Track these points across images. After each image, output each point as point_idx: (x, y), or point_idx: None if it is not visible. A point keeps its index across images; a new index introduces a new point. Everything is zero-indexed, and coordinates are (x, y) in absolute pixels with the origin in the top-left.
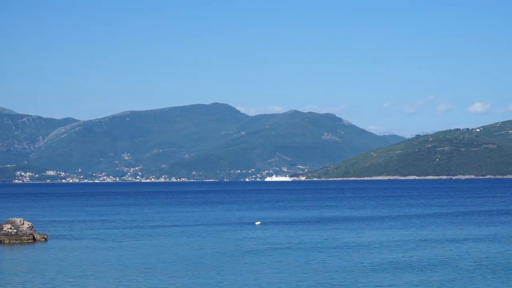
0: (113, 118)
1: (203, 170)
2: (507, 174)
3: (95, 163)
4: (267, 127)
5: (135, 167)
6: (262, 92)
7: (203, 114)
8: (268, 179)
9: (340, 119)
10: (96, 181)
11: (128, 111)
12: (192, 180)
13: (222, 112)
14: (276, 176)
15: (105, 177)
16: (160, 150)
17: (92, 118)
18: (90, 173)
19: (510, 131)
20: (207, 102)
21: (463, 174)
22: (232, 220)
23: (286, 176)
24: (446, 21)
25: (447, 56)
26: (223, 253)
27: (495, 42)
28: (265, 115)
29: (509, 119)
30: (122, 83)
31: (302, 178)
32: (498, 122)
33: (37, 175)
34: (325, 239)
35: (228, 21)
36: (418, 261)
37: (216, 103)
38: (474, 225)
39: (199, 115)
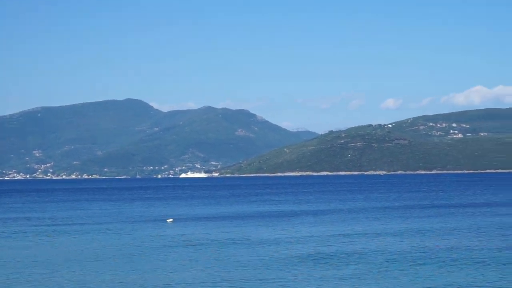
0: (24, 114)
1: (116, 166)
2: (418, 170)
3: (6, 160)
4: (181, 123)
5: (46, 164)
6: (176, 88)
7: (116, 110)
8: (183, 175)
9: (254, 115)
10: (6, 178)
11: (40, 107)
12: (104, 177)
13: (136, 108)
14: (192, 172)
15: (15, 174)
16: (72, 147)
17: (2, 114)
18: (0, 170)
19: (421, 127)
20: (120, 98)
21: (375, 170)
22: (143, 217)
23: (201, 172)
24: (358, 19)
25: (360, 53)
26: (128, 251)
27: (406, 39)
28: (179, 111)
29: (421, 115)
30: (34, 78)
31: (215, 174)
32: (410, 118)
33: None
34: (236, 235)
35: (140, 17)
36: (331, 256)
37: (129, 99)
38: (390, 219)
39: (112, 111)
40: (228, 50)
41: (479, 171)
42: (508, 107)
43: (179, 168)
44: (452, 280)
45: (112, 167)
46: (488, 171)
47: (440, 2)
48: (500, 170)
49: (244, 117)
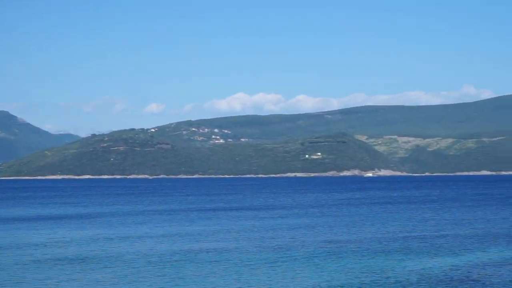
0: None
1: None
2: (180, 174)
3: None
4: None
5: None
6: None
7: None
8: None
9: (14, 117)
10: None
11: None
12: None
13: None
14: None
15: None
16: None
17: None
18: None
19: (184, 132)
20: None
21: (137, 174)
22: None
23: None
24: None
25: (125, 56)
26: None
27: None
28: None
29: (183, 120)
30: None
31: None
32: (173, 123)
33: None
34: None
35: None
36: (91, 259)
37: None
38: (155, 223)
39: None
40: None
41: (239, 176)
42: (267, 114)
43: None
44: (212, 281)
45: None
46: (248, 176)
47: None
48: (260, 175)
49: (4, 119)
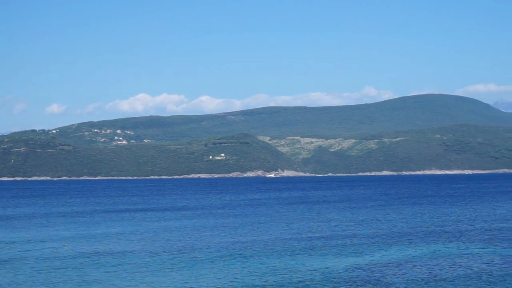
0: None
1: None
2: (83, 176)
3: None
4: None
5: None
6: None
7: None
8: None
9: None
10: None
11: None
12: None
13: None
14: None
15: None
16: None
17: None
18: None
19: (86, 133)
20: None
21: (39, 176)
22: None
23: None
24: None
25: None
26: None
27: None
28: None
29: (85, 121)
30: None
31: None
32: (74, 124)
33: None
34: None
35: None
36: None
37: None
38: (63, 225)
39: None
40: None
41: (143, 177)
42: (170, 115)
43: None
44: (116, 283)
45: None
46: (151, 177)
47: None
48: (163, 177)
49: None
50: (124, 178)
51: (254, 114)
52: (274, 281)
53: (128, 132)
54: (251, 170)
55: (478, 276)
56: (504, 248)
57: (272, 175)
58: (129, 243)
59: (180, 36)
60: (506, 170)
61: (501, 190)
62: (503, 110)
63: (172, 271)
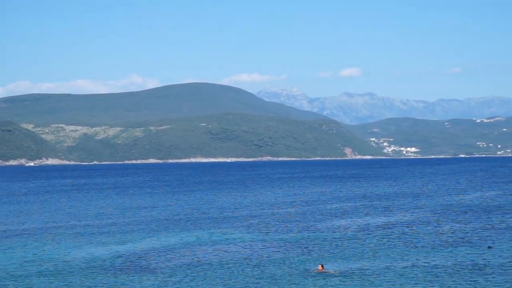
0: None
1: None
2: None
3: None
4: None
5: None
6: None
7: None
8: None
9: None
10: None
11: None
12: None
13: None
14: None
15: None
16: None
17: None
18: None
19: None
20: None
21: None
22: None
23: None
24: None
25: None
26: None
27: None
28: None
29: None
30: None
31: None
32: None
33: None
34: None
35: None
36: None
37: None
38: None
39: None
40: None
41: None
42: None
43: None
44: None
45: None
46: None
47: None
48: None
49: None
50: None
51: (16, 101)
52: (37, 271)
53: None
54: (14, 158)
55: (241, 260)
56: (263, 233)
57: (31, 164)
58: None
59: None
60: (270, 158)
61: (265, 178)
62: (266, 100)
63: None
